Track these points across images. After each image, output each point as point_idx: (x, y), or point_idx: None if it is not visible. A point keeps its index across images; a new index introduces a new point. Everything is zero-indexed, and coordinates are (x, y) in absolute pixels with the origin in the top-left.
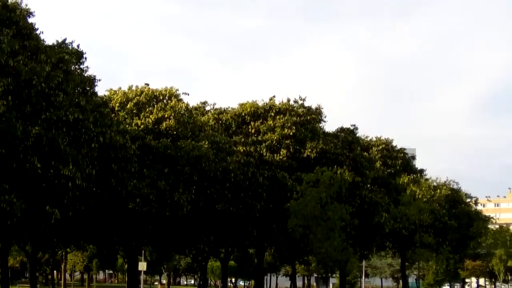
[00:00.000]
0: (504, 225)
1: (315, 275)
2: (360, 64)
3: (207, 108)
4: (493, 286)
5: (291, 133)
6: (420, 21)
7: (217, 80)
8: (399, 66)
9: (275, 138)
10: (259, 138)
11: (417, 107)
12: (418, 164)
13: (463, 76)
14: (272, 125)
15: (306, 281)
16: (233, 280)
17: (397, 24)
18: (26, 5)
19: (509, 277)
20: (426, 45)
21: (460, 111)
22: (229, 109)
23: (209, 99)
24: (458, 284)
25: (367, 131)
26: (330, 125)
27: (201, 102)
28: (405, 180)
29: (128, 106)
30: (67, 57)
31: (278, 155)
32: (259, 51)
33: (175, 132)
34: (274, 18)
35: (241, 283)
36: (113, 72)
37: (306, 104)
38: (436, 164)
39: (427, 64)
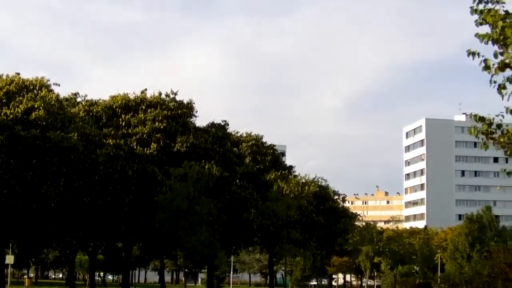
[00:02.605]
0: (371, 222)
1: (185, 270)
2: (237, 60)
3: (78, 99)
4: (359, 282)
5: (161, 127)
6: (297, 20)
7: (92, 72)
8: (276, 64)
9: (145, 131)
10: (130, 131)
11: (292, 104)
12: (291, 161)
13: (338, 76)
14: (143, 118)
15: (175, 276)
16: (101, 274)
17: (276, 22)
18: None
19: (375, 273)
20: (302, 44)
21: (333, 109)
22: (100, 101)
23: (83, 91)
24: (325, 280)
25: (241, 127)
26: (202, 120)
27: (72, 93)
28: (272, 177)
29: None
30: None
31: (149, 148)
32: (137, 45)
33: (44, 123)
34: (154, 12)
35: (110, 277)
36: None
37: (178, 98)
38: (307, 162)
39: (304, 62)
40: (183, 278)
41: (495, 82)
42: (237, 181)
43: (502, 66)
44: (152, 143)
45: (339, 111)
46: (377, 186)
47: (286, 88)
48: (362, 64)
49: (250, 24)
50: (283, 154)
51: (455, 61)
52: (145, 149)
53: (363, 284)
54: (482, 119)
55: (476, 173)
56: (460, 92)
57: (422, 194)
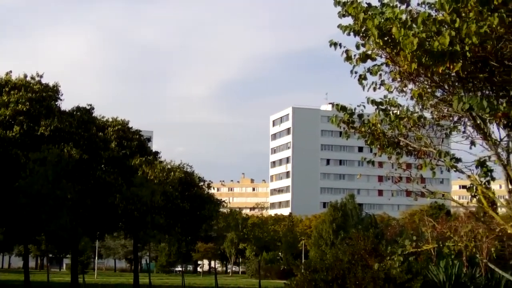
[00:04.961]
0: (237, 209)
1: (49, 255)
2: (106, 46)
3: None
4: (224, 268)
5: (25, 109)
6: (167, 7)
7: None
8: (146, 51)
9: (8, 114)
10: None
11: (161, 91)
12: (159, 147)
13: (207, 64)
14: (6, 100)
15: (39, 262)
16: None
17: (147, 8)
18: None
19: (240, 260)
20: (172, 31)
21: (201, 98)
22: None
23: None
24: (190, 266)
25: (108, 113)
26: (69, 105)
27: None
28: (137, 162)
29: None
30: None
31: (11, 131)
32: (7, 29)
33: None
34: None
35: None
36: None
37: (44, 81)
38: (175, 148)
39: (174, 50)
40: (48, 264)
41: (356, 72)
42: (102, 165)
43: (364, 57)
44: (15, 126)
45: (208, 100)
46: (243, 173)
47: (156, 75)
48: (231, 53)
49: (120, 9)
50: (149, 139)
51: (324, 52)
52: (8, 132)
53: (228, 270)
54: (343, 108)
55: (340, 162)
56: (327, 83)
57: (287, 182)
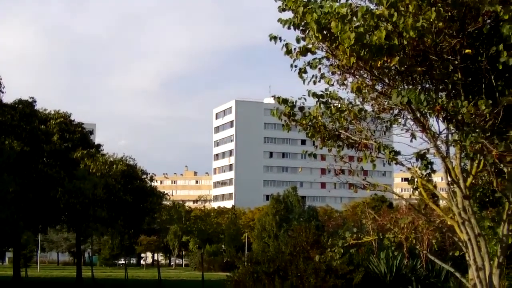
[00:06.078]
0: (180, 202)
1: None
2: (48, 38)
3: None
4: (167, 261)
5: None
6: (109, 1)
7: None
8: (89, 44)
9: None
10: None
11: (104, 85)
12: (102, 140)
13: (150, 58)
14: None
15: None
16: None
17: (88, 2)
18: None
19: (183, 252)
20: (115, 25)
21: (145, 91)
22: None
23: None
24: (134, 259)
25: (51, 106)
26: (10, 97)
27: None
28: (79, 155)
29: None
30: None
31: None
32: None
33: None
34: None
35: None
36: None
37: None
38: (118, 141)
39: (116, 43)
40: None
41: (296, 66)
42: (44, 158)
43: (303, 51)
44: None
45: (151, 93)
46: (186, 166)
47: (98, 68)
48: (174, 47)
49: (63, 2)
50: (91, 132)
51: (268, 45)
52: None
53: (172, 263)
54: (285, 101)
55: (284, 155)
56: (272, 76)
57: (230, 175)
